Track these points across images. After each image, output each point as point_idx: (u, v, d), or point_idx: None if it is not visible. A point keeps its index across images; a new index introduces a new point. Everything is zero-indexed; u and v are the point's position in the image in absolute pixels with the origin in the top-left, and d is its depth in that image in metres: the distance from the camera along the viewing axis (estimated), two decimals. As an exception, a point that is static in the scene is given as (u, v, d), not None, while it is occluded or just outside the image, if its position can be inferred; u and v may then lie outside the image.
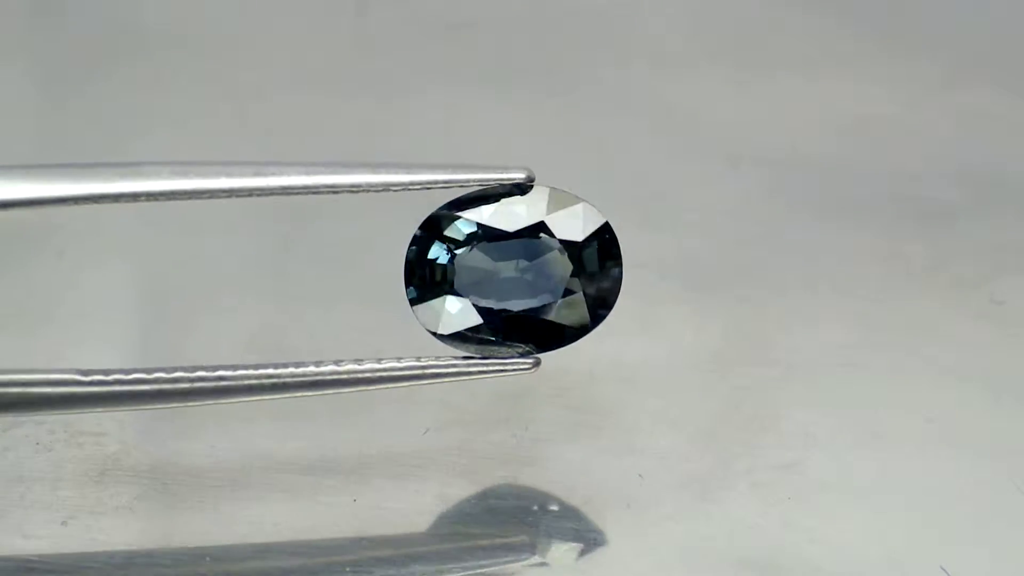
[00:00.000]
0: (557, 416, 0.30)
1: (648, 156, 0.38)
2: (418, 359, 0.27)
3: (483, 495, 0.28)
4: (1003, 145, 0.39)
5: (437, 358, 0.27)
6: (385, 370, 0.27)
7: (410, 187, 0.27)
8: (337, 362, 0.27)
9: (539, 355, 0.28)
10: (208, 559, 0.27)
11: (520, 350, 0.28)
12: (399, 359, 0.27)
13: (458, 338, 0.28)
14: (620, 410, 0.30)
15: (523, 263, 0.27)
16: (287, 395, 0.27)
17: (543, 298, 0.27)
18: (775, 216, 0.36)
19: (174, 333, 0.32)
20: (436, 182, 0.27)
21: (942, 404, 0.31)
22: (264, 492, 0.28)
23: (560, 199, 0.28)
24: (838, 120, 0.40)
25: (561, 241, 0.27)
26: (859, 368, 0.32)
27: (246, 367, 0.26)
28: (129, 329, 0.32)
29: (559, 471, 0.29)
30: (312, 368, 0.27)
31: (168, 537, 0.27)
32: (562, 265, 0.27)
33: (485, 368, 0.28)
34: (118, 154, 0.37)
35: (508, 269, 0.27)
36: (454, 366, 0.27)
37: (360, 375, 0.27)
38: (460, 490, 0.28)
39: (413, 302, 0.28)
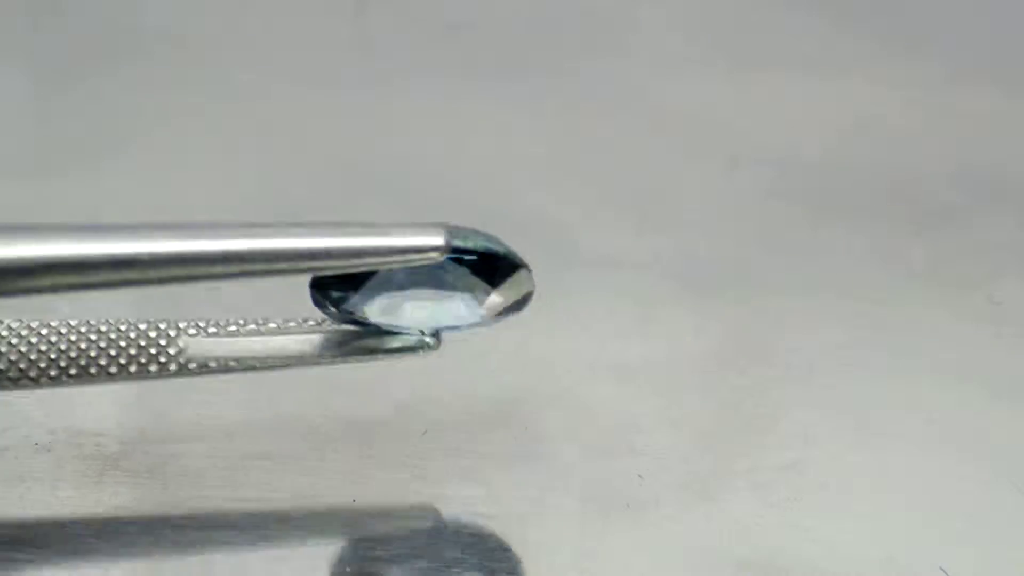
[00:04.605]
0: (557, 416, 0.30)
1: (648, 156, 0.38)
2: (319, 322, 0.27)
3: (483, 495, 0.28)
4: (1003, 145, 0.39)
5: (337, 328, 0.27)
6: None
7: (301, 259, 0.25)
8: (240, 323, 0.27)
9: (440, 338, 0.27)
10: (208, 559, 0.27)
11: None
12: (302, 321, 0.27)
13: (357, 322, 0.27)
14: (620, 410, 0.30)
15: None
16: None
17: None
18: (775, 216, 0.36)
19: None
20: (343, 251, 0.25)
21: (942, 404, 0.31)
22: (264, 493, 0.28)
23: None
24: (838, 120, 0.40)
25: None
26: (859, 368, 0.31)
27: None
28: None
29: (559, 471, 0.29)
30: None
31: (168, 537, 0.27)
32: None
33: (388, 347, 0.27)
34: (117, 154, 0.37)
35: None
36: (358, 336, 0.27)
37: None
38: (460, 490, 0.28)
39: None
